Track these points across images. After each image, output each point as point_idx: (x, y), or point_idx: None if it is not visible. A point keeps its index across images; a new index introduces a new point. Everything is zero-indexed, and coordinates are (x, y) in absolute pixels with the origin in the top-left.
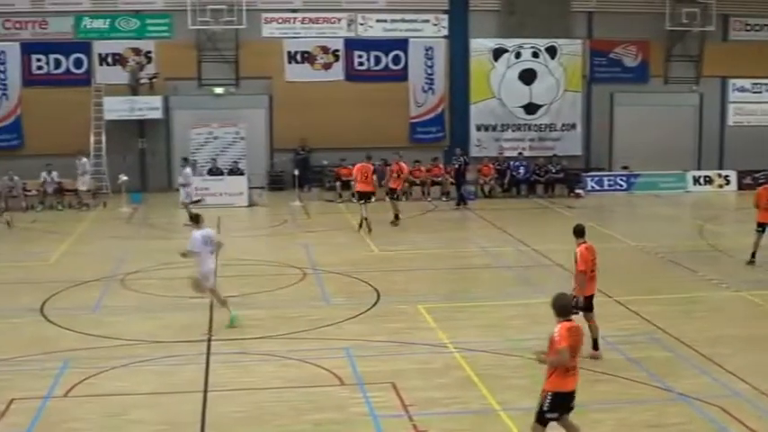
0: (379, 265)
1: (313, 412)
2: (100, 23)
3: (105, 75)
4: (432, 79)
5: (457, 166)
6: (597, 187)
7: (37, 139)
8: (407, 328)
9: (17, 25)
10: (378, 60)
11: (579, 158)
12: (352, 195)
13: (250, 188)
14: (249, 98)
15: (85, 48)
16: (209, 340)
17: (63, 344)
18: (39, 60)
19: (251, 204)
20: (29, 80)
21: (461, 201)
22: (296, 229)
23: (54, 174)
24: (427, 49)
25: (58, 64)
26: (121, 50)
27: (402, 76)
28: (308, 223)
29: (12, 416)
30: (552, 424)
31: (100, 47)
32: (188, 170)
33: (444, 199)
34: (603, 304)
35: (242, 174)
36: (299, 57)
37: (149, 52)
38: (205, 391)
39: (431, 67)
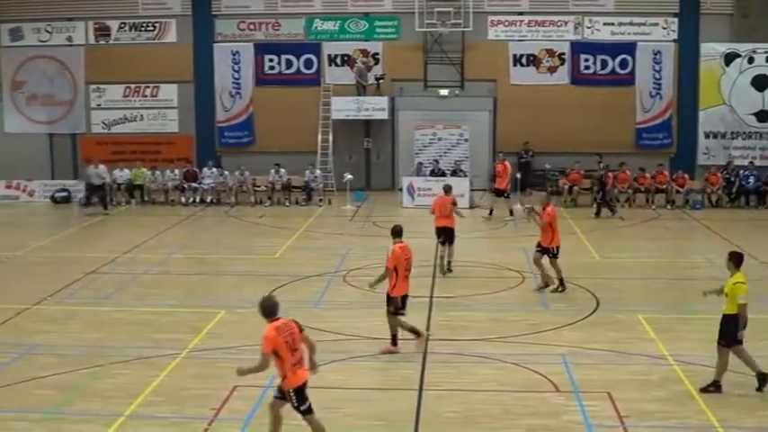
0: (600, 272)
1: (527, 417)
2: (330, 25)
3: (334, 75)
4: (659, 84)
5: (600, 174)
6: None
7: (267, 137)
8: (626, 338)
9: (251, 26)
10: (604, 64)
11: None
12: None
13: (472, 190)
14: (473, 100)
15: (316, 49)
16: (427, 339)
17: None
18: (271, 60)
19: (472, 206)
20: (261, 79)
21: (608, 208)
22: (516, 232)
23: (282, 171)
24: (655, 53)
25: (289, 64)
26: (350, 51)
27: (629, 80)
28: (528, 227)
29: (234, 402)
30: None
31: (329, 48)
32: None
33: (669, 207)
34: None
35: (464, 175)
36: (524, 60)
37: (377, 54)
38: (420, 390)
39: (659, 71)
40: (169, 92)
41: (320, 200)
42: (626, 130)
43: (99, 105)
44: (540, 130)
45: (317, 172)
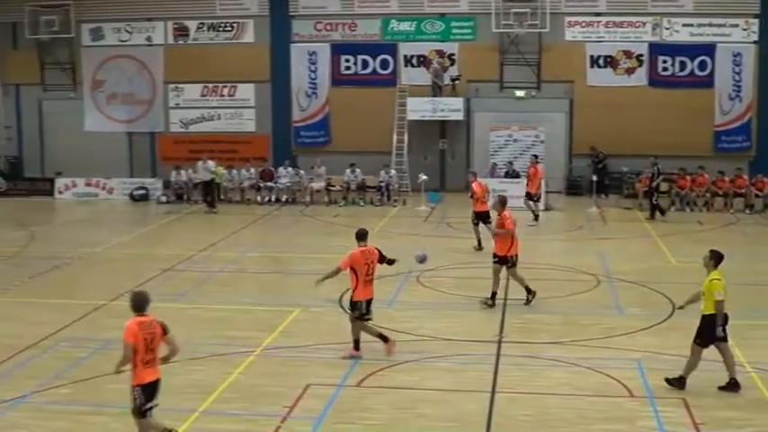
0: (676, 277)
1: (601, 422)
2: (406, 26)
3: (410, 76)
4: (739, 86)
5: (650, 175)
6: None
7: (342, 137)
8: None
9: (328, 27)
10: (683, 66)
11: None
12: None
13: (547, 192)
14: (549, 102)
15: (392, 49)
16: (500, 342)
17: None
18: (347, 61)
19: (547, 208)
20: (337, 80)
21: (656, 211)
22: (591, 235)
23: (358, 171)
24: (735, 55)
25: (365, 64)
26: (426, 52)
27: (708, 82)
28: (604, 230)
29: (307, 400)
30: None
31: (405, 48)
32: None
33: (748, 212)
34: None
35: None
36: (601, 61)
37: (453, 54)
38: (493, 392)
39: (738, 73)
40: (246, 91)
41: (395, 200)
42: (704, 133)
43: (177, 104)
44: (616, 133)
45: (393, 172)
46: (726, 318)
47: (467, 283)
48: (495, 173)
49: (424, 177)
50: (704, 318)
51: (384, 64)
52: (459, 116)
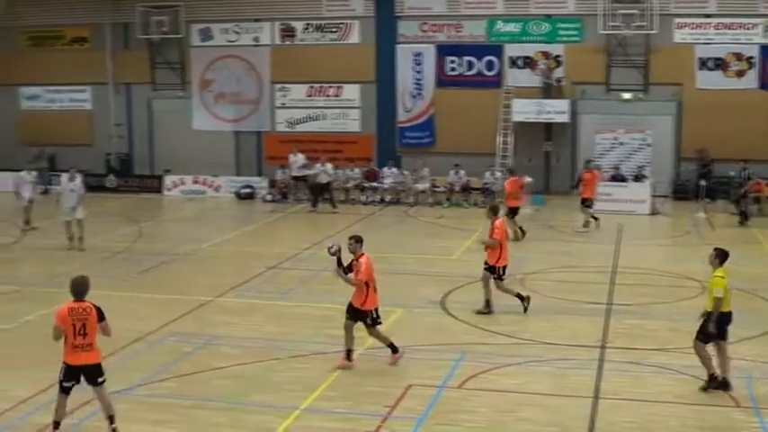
0: None
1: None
2: (512, 27)
3: (515, 77)
4: None
5: (741, 181)
6: None
7: (447, 138)
8: None
9: (434, 28)
10: None
11: None
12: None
13: (653, 196)
14: (657, 105)
15: (497, 50)
16: (603, 347)
17: (460, 337)
18: (452, 62)
19: (653, 213)
20: (442, 81)
21: (744, 217)
22: (699, 241)
23: (462, 172)
24: None
25: (470, 66)
26: (531, 54)
27: None
28: (712, 236)
29: (408, 400)
30: None
31: (511, 50)
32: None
33: None
34: None
35: (646, 181)
36: (710, 63)
37: (559, 56)
38: (595, 398)
39: None
40: (352, 92)
41: (499, 202)
42: None
43: (283, 104)
44: (725, 136)
45: (498, 174)
46: (729, 317)
47: (570, 287)
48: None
49: (529, 180)
50: (706, 314)
51: (489, 65)
52: (565, 118)
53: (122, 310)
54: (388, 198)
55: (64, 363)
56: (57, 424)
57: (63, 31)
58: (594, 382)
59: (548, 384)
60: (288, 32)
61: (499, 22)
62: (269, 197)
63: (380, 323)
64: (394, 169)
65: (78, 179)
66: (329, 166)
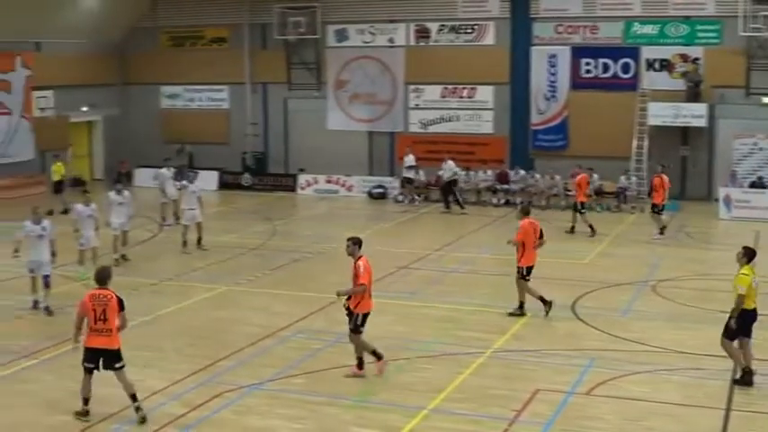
0: None
1: None
2: (649, 29)
3: (652, 80)
4: None
5: None
6: None
7: (580, 141)
8: None
9: (569, 30)
10: None
11: None
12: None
13: None
14: None
15: (634, 53)
16: None
17: (590, 343)
18: (587, 64)
19: None
20: (577, 83)
21: None
22: None
23: (595, 176)
24: None
25: (605, 68)
26: (669, 56)
27: None
28: None
29: (535, 405)
30: None
31: (648, 52)
32: None
33: None
34: None
35: None
36: None
37: (697, 59)
38: (728, 409)
39: None
40: (485, 93)
41: (633, 207)
42: None
43: (417, 105)
44: None
45: (633, 179)
46: (753, 315)
47: (705, 295)
48: (735, 181)
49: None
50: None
51: (625, 68)
52: (702, 122)
53: (254, 305)
54: (519, 201)
55: (84, 347)
56: (86, 400)
57: (203, 32)
58: (727, 393)
59: (678, 394)
60: (422, 33)
61: (636, 23)
62: (401, 197)
63: (362, 332)
64: (522, 172)
65: (127, 192)
66: (451, 163)
